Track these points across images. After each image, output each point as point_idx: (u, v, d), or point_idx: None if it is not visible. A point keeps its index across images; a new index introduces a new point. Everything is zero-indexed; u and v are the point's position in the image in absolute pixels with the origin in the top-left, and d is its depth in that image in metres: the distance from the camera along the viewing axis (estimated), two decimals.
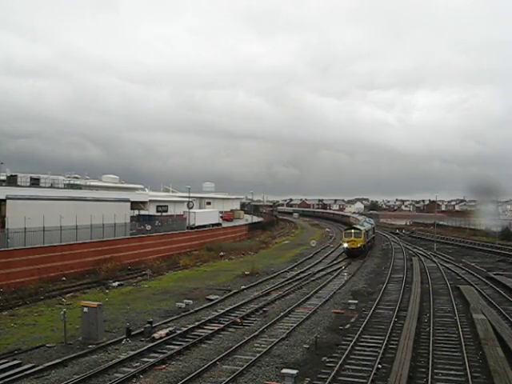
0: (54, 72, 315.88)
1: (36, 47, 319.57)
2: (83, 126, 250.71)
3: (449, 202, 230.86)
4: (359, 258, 49.52)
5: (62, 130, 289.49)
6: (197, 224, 64.89)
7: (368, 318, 24.46)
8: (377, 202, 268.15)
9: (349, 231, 51.03)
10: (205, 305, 27.51)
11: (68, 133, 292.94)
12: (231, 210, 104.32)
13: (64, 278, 35.69)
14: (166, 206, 71.78)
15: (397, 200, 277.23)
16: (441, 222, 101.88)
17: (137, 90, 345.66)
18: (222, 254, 54.35)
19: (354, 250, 49.33)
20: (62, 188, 48.46)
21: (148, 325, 21.64)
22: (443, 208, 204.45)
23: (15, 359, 17.89)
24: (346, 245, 49.64)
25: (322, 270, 42.33)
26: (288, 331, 21.81)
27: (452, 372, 16.82)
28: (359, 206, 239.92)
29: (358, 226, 53.26)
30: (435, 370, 16.82)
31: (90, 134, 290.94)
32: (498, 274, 40.11)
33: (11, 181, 44.30)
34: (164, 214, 68.43)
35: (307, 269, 42.92)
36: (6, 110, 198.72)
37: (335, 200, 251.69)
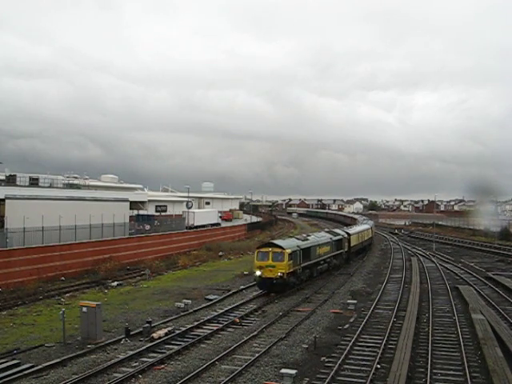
0: (55, 72, 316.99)
1: (37, 48, 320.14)
2: (83, 126, 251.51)
3: (448, 202, 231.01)
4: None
5: (62, 129, 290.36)
6: (196, 224, 64.87)
7: (367, 318, 24.45)
8: (376, 202, 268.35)
9: (264, 250, 30.54)
10: (204, 305, 27.49)
11: (68, 133, 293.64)
12: (230, 210, 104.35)
13: (63, 278, 35.67)
14: (165, 206, 71.75)
15: (396, 200, 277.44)
16: (440, 222, 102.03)
17: (137, 90, 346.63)
18: (220, 253, 54.35)
19: (272, 282, 29.64)
20: (60, 188, 48.42)
21: (147, 325, 21.64)
22: (442, 208, 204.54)
23: (14, 359, 17.87)
24: (258, 272, 29.95)
25: None
26: (287, 331, 21.80)
27: (451, 372, 16.82)
28: (358, 206, 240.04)
29: (279, 243, 31.31)
30: (434, 370, 16.83)
31: (90, 134, 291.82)
32: (497, 274, 40.15)
33: (10, 180, 44.28)
34: (163, 213, 68.40)
35: None
36: (6, 110, 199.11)
37: (334, 200, 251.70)
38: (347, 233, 46.28)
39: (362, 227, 57.44)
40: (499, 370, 15.95)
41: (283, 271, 29.40)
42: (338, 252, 41.69)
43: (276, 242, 32.48)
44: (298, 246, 31.88)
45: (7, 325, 23.48)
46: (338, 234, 43.24)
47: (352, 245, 46.62)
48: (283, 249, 29.96)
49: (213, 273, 41.26)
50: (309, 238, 36.33)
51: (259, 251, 30.75)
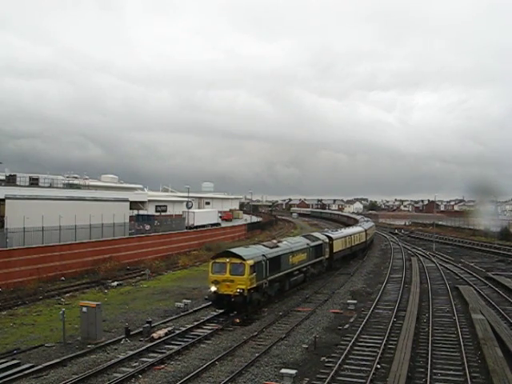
0: (56, 72, 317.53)
1: (38, 48, 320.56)
2: (84, 126, 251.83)
3: (448, 202, 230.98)
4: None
5: (62, 129, 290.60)
6: (196, 224, 64.88)
7: (367, 318, 24.46)
8: (376, 202, 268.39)
9: (220, 261, 25.25)
10: (204, 305, 27.43)
11: (69, 133, 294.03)
12: (230, 210, 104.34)
13: (63, 278, 35.66)
14: (165, 206, 71.75)
15: (396, 200, 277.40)
16: (440, 222, 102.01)
17: (137, 90, 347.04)
18: None
19: (230, 300, 24.36)
20: (60, 188, 48.43)
21: (147, 325, 21.65)
22: (442, 208, 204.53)
23: (14, 359, 17.87)
24: (213, 288, 24.63)
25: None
26: (287, 331, 21.81)
27: (451, 372, 16.83)
28: (358, 206, 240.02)
29: (239, 252, 25.73)
30: (434, 370, 16.83)
31: (91, 134, 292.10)
32: (497, 274, 40.14)
33: (10, 180, 44.30)
34: (163, 213, 68.39)
35: None
36: (7, 110, 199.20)
37: (334, 200, 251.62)
38: (329, 237, 40.51)
39: (352, 230, 51.60)
40: (499, 369, 15.95)
41: (243, 287, 24.13)
42: (317, 260, 36.36)
43: (235, 250, 26.51)
44: (263, 256, 26.56)
45: (7, 325, 23.48)
46: (318, 239, 37.63)
47: (335, 251, 41.02)
48: (243, 259, 24.64)
49: None
50: (280, 244, 31.08)
51: (214, 262, 25.33)
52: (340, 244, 43.04)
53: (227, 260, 24.96)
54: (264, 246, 29.55)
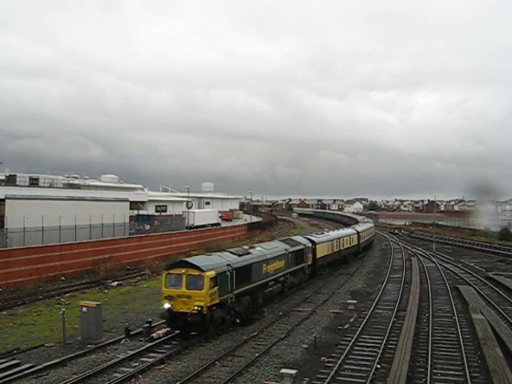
0: (56, 72, 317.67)
1: (38, 48, 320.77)
2: (84, 126, 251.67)
3: (448, 202, 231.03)
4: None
5: (63, 129, 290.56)
6: (196, 224, 64.89)
7: (367, 318, 24.47)
8: (376, 202, 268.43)
9: (175, 272, 21.10)
10: None
11: (69, 133, 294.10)
12: (230, 210, 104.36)
13: (63, 278, 35.66)
14: (165, 206, 71.78)
15: (396, 200, 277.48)
16: (440, 222, 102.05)
17: (138, 91, 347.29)
18: None
19: (186, 319, 20.13)
20: (60, 188, 48.43)
21: (147, 325, 21.66)
22: (442, 208, 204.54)
23: (14, 359, 17.86)
24: (166, 304, 20.56)
25: None
26: (287, 331, 21.81)
27: (451, 372, 16.82)
28: (358, 206, 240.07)
29: (196, 262, 21.55)
30: (434, 370, 16.83)
31: (91, 134, 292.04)
32: (497, 274, 40.15)
33: (10, 180, 44.29)
34: (163, 213, 68.42)
35: None
36: (8, 110, 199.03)
37: (334, 200, 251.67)
38: (312, 241, 36.44)
39: (341, 232, 47.40)
40: (499, 369, 15.95)
41: (202, 304, 20.07)
42: (298, 267, 32.40)
43: (193, 259, 22.73)
44: (228, 265, 22.44)
45: (7, 325, 23.49)
46: (299, 244, 33.63)
47: (319, 256, 36.97)
48: (202, 271, 20.58)
49: None
50: (251, 250, 26.77)
51: (168, 273, 21.24)
52: (325, 248, 38.94)
53: (183, 271, 20.91)
54: (231, 253, 24.88)
